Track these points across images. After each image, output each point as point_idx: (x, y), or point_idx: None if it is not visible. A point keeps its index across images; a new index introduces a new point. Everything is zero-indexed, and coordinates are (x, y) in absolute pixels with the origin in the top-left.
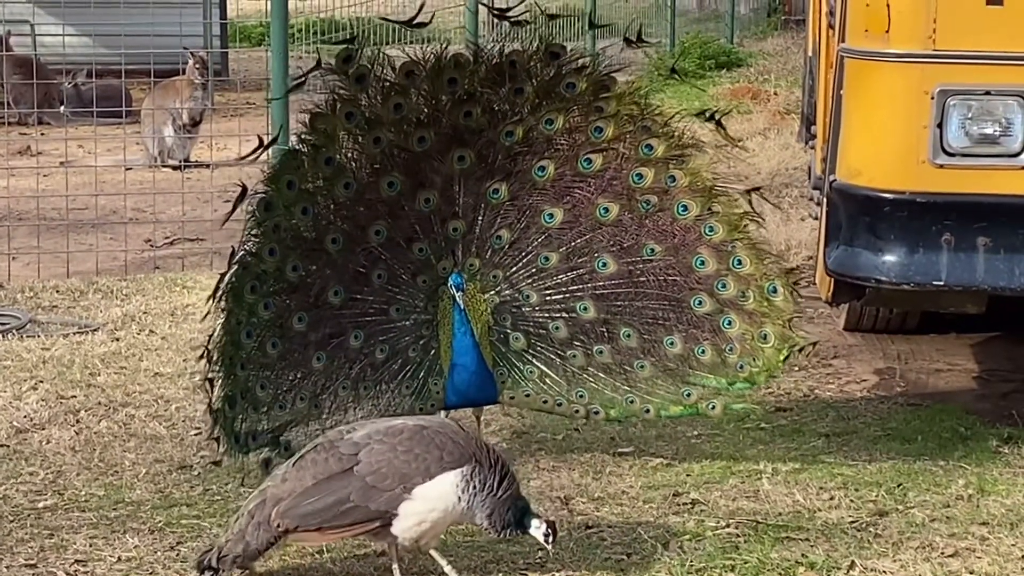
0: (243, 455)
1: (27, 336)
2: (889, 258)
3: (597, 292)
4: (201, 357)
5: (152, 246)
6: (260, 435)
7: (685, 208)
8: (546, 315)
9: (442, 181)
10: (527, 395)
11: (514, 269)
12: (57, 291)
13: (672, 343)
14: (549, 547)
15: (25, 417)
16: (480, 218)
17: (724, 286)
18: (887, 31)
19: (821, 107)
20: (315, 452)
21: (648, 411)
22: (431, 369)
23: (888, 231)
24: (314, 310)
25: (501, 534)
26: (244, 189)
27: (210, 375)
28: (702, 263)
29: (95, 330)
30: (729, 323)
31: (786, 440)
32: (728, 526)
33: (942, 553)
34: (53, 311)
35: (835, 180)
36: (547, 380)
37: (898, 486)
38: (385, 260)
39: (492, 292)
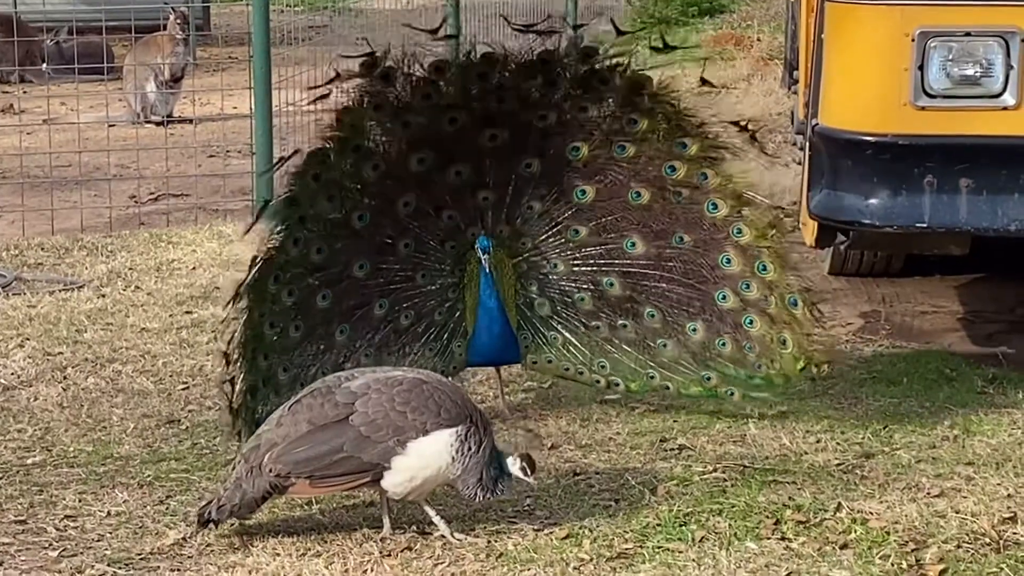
0: None
1: (13, 294)
2: (872, 201)
3: (624, 270)
4: (222, 359)
5: (137, 202)
6: None
7: (715, 206)
8: (572, 285)
9: (474, 156)
10: (549, 361)
11: (543, 237)
12: (42, 248)
13: (694, 329)
14: (531, 480)
15: (12, 374)
16: (511, 188)
17: (748, 287)
18: None
19: (803, 52)
20: (311, 397)
21: (668, 388)
22: (455, 331)
23: (871, 174)
24: (338, 285)
25: (486, 495)
26: (266, 202)
27: (229, 377)
28: (728, 261)
29: (81, 287)
30: (751, 322)
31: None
32: (715, 470)
33: (928, 493)
34: (38, 268)
35: (818, 124)
36: (570, 348)
37: (884, 428)
38: (413, 229)
39: (520, 258)
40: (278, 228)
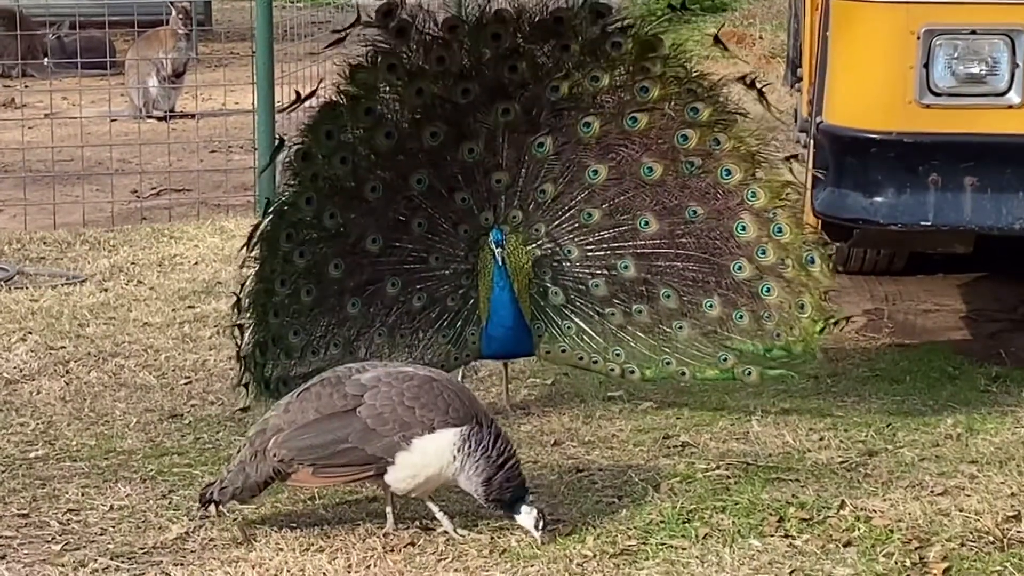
0: (274, 401)
1: (15, 288)
2: (876, 199)
3: (638, 251)
4: (234, 305)
5: (139, 197)
6: (291, 381)
7: (728, 172)
8: (587, 271)
9: (486, 132)
10: (563, 350)
11: (556, 223)
12: (44, 243)
13: (711, 305)
14: (537, 536)
15: (15, 368)
16: (524, 170)
17: (764, 252)
18: None
19: (807, 49)
20: (321, 386)
21: (684, 373)
22: (469, 318)
23: (875, 172)
24: (351, 257)
25: (489, 506)
26: (281, 141)
27: (240, 322)
28: (743, 228)
29: (83, 281)
30: (768, 290)
31: (775, 382)
32: (718, 468)
33: (931, 492)
34: (41, 263)
35: (822, 122)
36: (584, 337)
37: (887, 426)
38: (426, 209)
39: (534, 245)
40: (290, 181)
